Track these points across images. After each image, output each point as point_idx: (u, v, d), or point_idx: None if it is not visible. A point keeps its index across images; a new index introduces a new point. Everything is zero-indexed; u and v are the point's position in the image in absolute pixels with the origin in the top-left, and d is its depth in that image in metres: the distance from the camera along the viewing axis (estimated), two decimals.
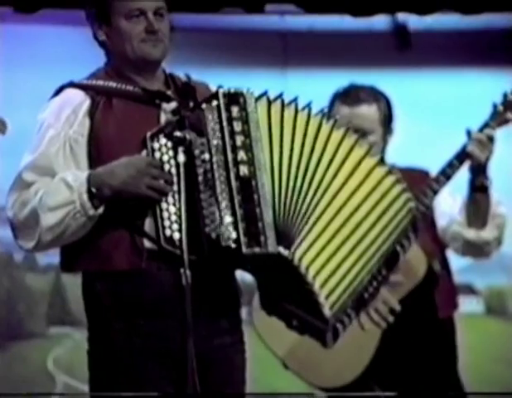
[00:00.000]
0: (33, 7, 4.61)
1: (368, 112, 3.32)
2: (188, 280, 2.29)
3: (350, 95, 3.34)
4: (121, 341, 2.40)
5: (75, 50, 4.81)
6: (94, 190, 2.36)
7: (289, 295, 2.46)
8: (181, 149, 2.37)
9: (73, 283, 5.10)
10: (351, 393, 3.28)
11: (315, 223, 2.42)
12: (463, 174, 3.36)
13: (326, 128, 2.47)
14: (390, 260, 2.52)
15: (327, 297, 2.42)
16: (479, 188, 3.31)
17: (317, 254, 2.41)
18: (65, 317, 5.17)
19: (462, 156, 3.30)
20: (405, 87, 4.89)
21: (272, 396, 3.35)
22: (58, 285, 5.18)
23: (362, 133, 3.28)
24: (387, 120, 3.36)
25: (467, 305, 4.92)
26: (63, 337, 5.13)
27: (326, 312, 2.42)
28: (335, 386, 3.29)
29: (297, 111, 2.44)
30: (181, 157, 2.36)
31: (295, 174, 2.42)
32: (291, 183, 2.42)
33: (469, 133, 3.30)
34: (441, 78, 5.06)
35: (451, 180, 3.31)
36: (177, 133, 2.38)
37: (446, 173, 3.31)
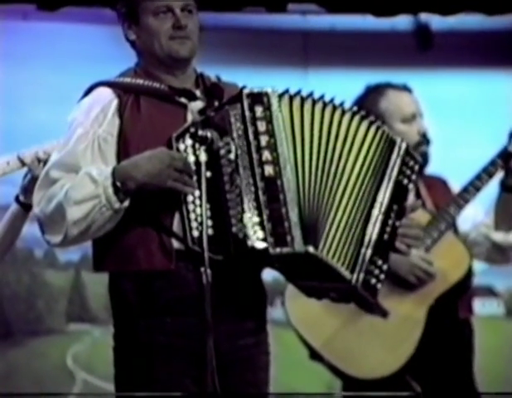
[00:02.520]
0: (57, 5, 4.63)
1: (414, 98, 3.44)
2: (208, 279, 2.31)
3: (393, 85, 3.44)
4: (146, 338, 2.41)
5: (98, 48, 4.84)
6: (118, 183, 2.37)
7: (318, 278, 2.47)
8: (202, 148, 2.38)
9: (92, 280, 5.14)
10: (367, 392, 3.29)
11: (336, 214, 2.43)
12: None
13: (343, 117, 2.47)
14: (398, 194, 2.50)
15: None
16: (510, 189, 3.31)
17: (339, 243, 2.42)
18: (84, 314, 5.18)
19: (505, 155, 3.29)
20: (427, 87, 4.85)
21: (292, 396, 3.36)
22: (78, 282, 5.19)
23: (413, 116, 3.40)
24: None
25: (488, 307, 4.91)
26: (82, 334, 5.14)
27: (347, 274, 2.41)
28: (373, 378, 3.30)
29: (314, 105, 2.44)
30: (203, 157, 2.37)
31: (317, 170, 2.43)
32: (314, 180, 2.42)
33: (511, 133, 3.31)
34: (463, 78, 5.04)
35: (492, 179, 3.31)
36: (199, 132, 2.39)
37: (489, 171, 3.31)
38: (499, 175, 3.35)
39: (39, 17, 4.78)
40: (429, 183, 3.46)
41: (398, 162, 2.50)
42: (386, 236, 2.47)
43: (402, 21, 4.89)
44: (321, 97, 2.46)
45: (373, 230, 2.44)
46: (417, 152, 3.39)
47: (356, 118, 2.48)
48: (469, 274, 3.37)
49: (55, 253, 5.13)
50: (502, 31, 4.90)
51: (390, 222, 2.47)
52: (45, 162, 2.78)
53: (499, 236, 3.36)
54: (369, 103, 3.36)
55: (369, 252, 2.43)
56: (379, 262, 2.45)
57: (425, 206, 3.42)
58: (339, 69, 4.98)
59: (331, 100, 2.47)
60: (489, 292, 5.02)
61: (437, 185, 3.45)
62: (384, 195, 2.47)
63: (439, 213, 3.35)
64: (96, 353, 5.03)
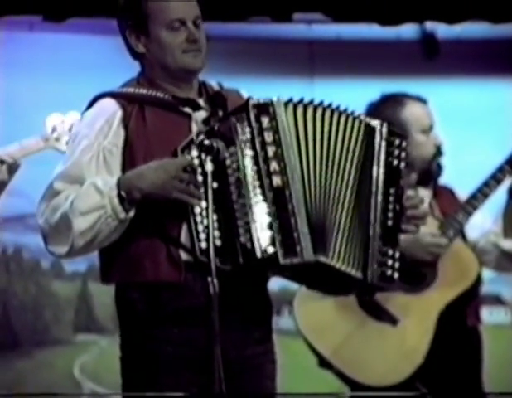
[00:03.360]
0: (63, 16, 4.64)
1: (430, 110, 3.50)
2: (216, 289, 2.30)
3: (410, 96, 3.48)
4: (153, 348, 2.42)
5: (104, 58, 4.84)
6: (123, 194, 2.37)
7: (330, 283, 2.49)
8: (209, 158, 2.38)
9: (99, 290, 5.14)
10: (372, 393, 3.29)
11: (341, 218, 2.43)
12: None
13: (346, 124, 2.47)
14: (392, 176, 2.48)
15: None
16: None
17: (346, 246, 2.42)
18: (91, 324, 5.18)
19: None
20: (433, 96, 4.86)
21: (296, 396, 3.37)
22: (84, 292, 5.19)
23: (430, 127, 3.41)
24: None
25: (495, 316, 4.89)
26: (89, 344, 5.14)
27: (359, 275, 2.42)
28: (383, 385, 3.30)
29: (315, 111, 2.44)
30: (209, 166, 2.37)
31: (321, 177, 2.43)
32: (319, 187, 2.43)
33: None
34: (469, 87, 5.04)
35: (500, 186, 3.31)
36: (205, 142, 2.38)
37: (497, 178, 3.31)
38: (507, 182, 3.35)
39: (45, 28, 4.79)
40: (437, 192, 3.46)
41: (384, 144, 2.48)
42: (390, 222, 2.46)
43: (407, 30, 4.89)
44: (321, 103, 2.46)
45: (375, 222, 2.44)
46: (434, 164, 3.43)
47: (343, 117, 2.47)
48: (478, 281, 3.37)
49: (61, 263, 5.14)
50: (508, 39, 4.90)
51: (391, 207, 2.46)
52: (10, 165, 2.81)
53: (509, 244, 3.35)
54: (388, 111, 3.37)
55: (377, 244, 2.43)
56: (390, 251, 2.45)
57: (433, 214, 3.42)
58: (345, 78, 4.98)
59: (329, 105, 2.46)
60: (496, 300, 5.00)
61: (445, 194, 3.46)
62: (377, 182, 2.46)
63: (447, 220, 3.35)
64: (103, 363, 5.02)
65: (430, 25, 4.89)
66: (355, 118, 2.48)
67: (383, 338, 3.32)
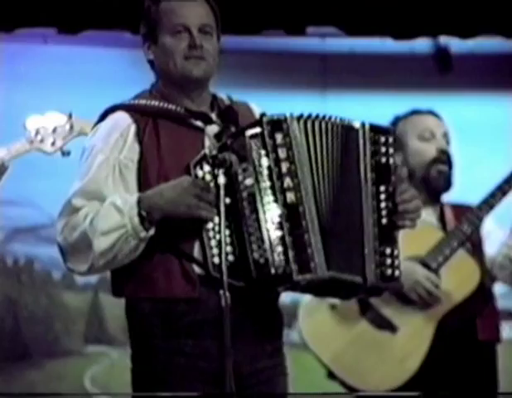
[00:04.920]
0: (77, 29, 4.65)
1: (435, 121, 3.46)
2: (228, 302, 2.30)
3: (418, 111, 3.47)
4: (166, 360, 2.41)
5: (118, 71, 4.86)
6: (144, 213, 2.37)
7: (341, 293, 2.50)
8: (221, 171, 2.38)
9: (110, 302, 5.14)
10: (371, 392, 3.30)
11: (350, 231, 2.42)
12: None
13: (346, 134, 2.45)
14: (381, 174, 2.45)
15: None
16: None
17: (363, 260, 2.41)
18: (101, 335, 5.19)
19: None
20: (446, 111, 4.85)
21: (300, 396, 3.37)
22: (95, 304, 5.20)
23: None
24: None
25: (507, 331, 4.87)
26: (100, 356, 5.14)
27: (360, 280, 2.41)
28: (379, 391, 3.31)
29: (322, 125, 2.43)
30: (221, 179, 2.37)
31: (331, 193, 2.42)
32: (330, 202, 2.42)
33: None
34: (482, 102, 5.03)
35: (506, 197, 3.30)
36: (219, 155, 2.38)
37: (503, 189, 3.31)
38: None
39: (59, 41, 4.81)
40: (458, 211, 3.44)
41: (368, 144, 2.44)
42: (384, 221, 2.43)
43: (421, 45, 4.89)
44: (330, 117, 2.44)
45: (368, 223, 2.42)
46: (434, 169, 3.40)
47: (330, 126, 2.43)
48: (480, 292, 3.35)
49: (73, 275, 5.14)
50: None
51: (383, 205, 2.44)
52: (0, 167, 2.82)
53: None
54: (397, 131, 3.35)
55: (373, 245, 2.41)
56: (388, 250, 2.43)
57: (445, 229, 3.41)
58: (357, 92, 4.98)
59: (330, 117, 2.44)
60: (508, 315, 4.98)
61: (464, 212, 3.42)
62: (366, 182, 2.43)
63: (452, 230, 3.34)
64: (114, 375, 5.02)
65: (443, 39, 4.89)
66: (336, 124, 2.44)
67: (382, 346, 3.34)
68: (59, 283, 5.19)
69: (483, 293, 3.38)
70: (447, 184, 3.44)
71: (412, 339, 3.31)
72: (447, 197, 3.48)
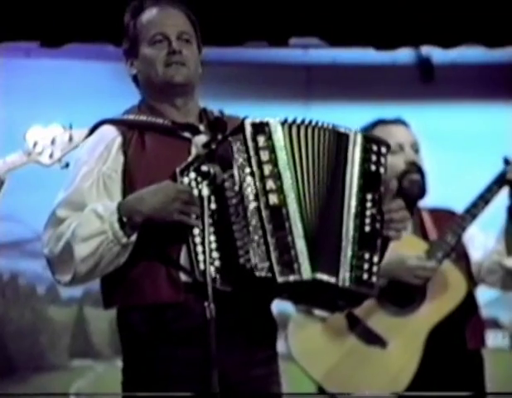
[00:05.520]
0: (60, 42, 4.65)
1: (402, 131, 3.42)
2: (212, 313, 2.31)
3: (384, 120, 3.46)
4: (158, 369, 2.41)
5: (101, 84, 4.86)
6: (124, 218, 2.38)
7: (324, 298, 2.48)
8: (205, 183, 2.39)
9: (95, 315, 5.13)
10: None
11: (333, 233, 2.42)
12: (495, 209, 3.35)
13: (325, 137, 2.46)
14: (369, 182, 2.45)
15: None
16: None
17: (337, 261, 2.41)
18: (87, 349, 5.17)
19: (501, 182, 3.30)
20: (429, 120, 4.87)
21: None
22: (80, 318, 5.18)
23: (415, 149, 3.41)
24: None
25: (493, 340, 4.88)
26: (85, 370, 5.13)
27: (333, 279, 2.39)
28: None
29: (307, 129, 2.44)
30: (205, 191, 2.38)
31: (315, 195, 2.43)
32: (315, 205, 2.42)
33: (507, 160, 3.32)
34: (464, 111, 5.05)
35: (488, 206, 3.31)
36: (202, 167, 2.40)
37: (485, 198, 3.31)
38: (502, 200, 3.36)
39: (42, 54, 4.80)
40: (436, 216, 3.45)
41: (358, 150, 2.45)
42: (368, 228, 2.43)
43: (403, 55, 4.90)
44: (316, 122, 2.46)
45: (348, 227, 2.42)
46: (406, 180, 3.40)
47: (321, 131, 2.46)
48: (468, 302, 3.36)
49: (57, 289, 5.13)
50: (503, 63, 4.92)
51: (368, 213, 2.44)
52: None
53: None
54: None
55: (351, 248, 2.41)
56: (367, 255, 2.42)
57: (427, 239, 3.42)
58: (341, 102, 4.99)
59: (316, 123, 2.46)
60: (494, 324, 4.99)
61: (445, 217, 3.44)
62: (351, 188, 2.43)
63: (436, 242, 3.35)
64: (99, 389, 5.00)
65: (426, 49, 4.91)
66: (327, 130, 2.45)
67: (372, 361, 3.33)
68: (43, 298, 5.18)
69: (470, 303, 3.39)
70: (421, 191, 3.44)
71: (402, 353, 3.31)
72: (423, 203, 3.49)
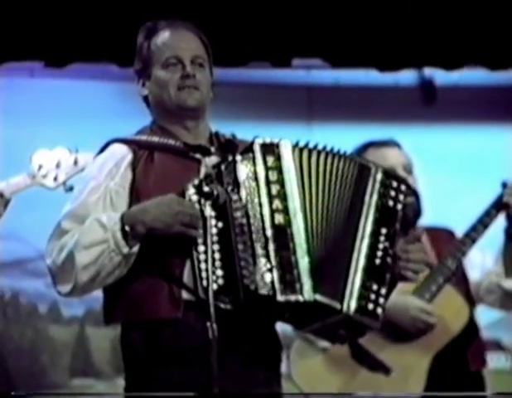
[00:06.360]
0: (64, 62, 4.67)
1: (394, 153, 3.41)
2: (215, 333, 2.30)
3: (375, 143, 3.44)
4: (156, 389, 2.41)
5: (105, 104, 4.87)
6: (127, 228, 2.38)
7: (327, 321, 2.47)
8: (208, 203, 2.39)
9: (96, 335, 5.12)
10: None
11: (341, 259, 2.44)
12: (491, 230, 3.36)
13: (344, 166, 2.49)
14: (385, 217, 2.48)
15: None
16: None
17: (344, 288, 2.42)
18: (88, 368, 5.16)
19: (499, 206, 3.32)
20: (431, 142, 4.89)
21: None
22: (82, 337, 5.17)
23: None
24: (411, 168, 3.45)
25: (495, 361, 4.87)
26: (86, 389, 5.11)
27: (337, 305, 2.40)
28: None
29: (319, 155, 2.47)
30: (208, 211, 2.39)
31: (323, 218, 2.44)
32: (321, 228, 2.44)
33: (504, 184, 3.33)
34: (467, 133, 5.06)
35: (488, 230, 3.32)
36: (205, 188, 2.40)
37: (484, 222, 3.32)
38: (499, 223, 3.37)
39: (46, 74, 4.82)
40: (433, 235, 3.46)
41: (377, 185, 2.49)
42: (378, 261, 2.45)
43: (405, 76, 4.92)
44: (325, 147, 2.49)
45: (359, 256, 2.43)
46: None
47: (342, 160, 2.50)
48: (470, 325, 3.36)
49: (59, 308, 5.13)
50: (505, 86, 4.93)
51: (381, 246, 2.46)
52: (4, 199, 2.82)
53: (510, 284, 3.36)
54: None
55: (359, 278, 2.42)
56: (375, 286, 2.43)
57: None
58: (343, 123, 5.00)
59: (331, 150, 2.50)
60: (496, 346, 4.98)
61: (443, 237, 3.44)
62: (366, 219, 2.46)
63: (437, 266, 3.36)
64: None
65: (428, 71, 4.93)
66: (353, 161, 2.51)
67: (376, 388, 3.31)
68: (45, 317, 5.17)
69: (472, 327, 3.39)
70: (416, 214, 3.45)
71: (406, 379, 3.30)
72: (421, 222, 3.49)
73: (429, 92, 4.99)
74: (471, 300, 3.43)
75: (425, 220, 3.47)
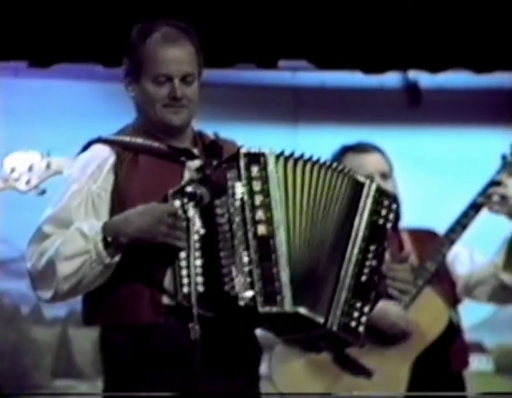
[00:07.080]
0: (48, 62, 4.65)
1: (372, 159, 3.39)
2: (197, 335, 2.29)
3: (353, 148, 3.44)
4: (140, 390, 2.40)
5: (90, 104, 4.86)
6: (109, 238, 2.38)
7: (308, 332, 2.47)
8: (191, 205, 2.38)
9: (79, 336, 5.11)
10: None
11: (324, 271, 2.43)
12: (478, 226, 3.38)
13: (332, 179, 2.48)
14: (374, 234, 2.48)
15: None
16: None
17: (330, 304, 2.42)
18: (70, 369, 5.15)
19: (476, 207, 3.34)
20: (416, 144, 4.89)
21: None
22: (64, 338, 5.16)
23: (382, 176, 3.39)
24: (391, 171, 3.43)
25: (477, 363, 4.88)
26: (68, 390, 5.10)
27: (321, 319, 2.40)
28: None
29: (305, 166, 2.46)
30: (191, 212, 2.38)
31: (307, 230, 2.43)
32: (304, 240, 2.43)
33: (504, 157, 3.35)
34: (451, 136, 5.07)
35: (466, 231, 3.34)
36: (187, 189, 2.40)
37: (462, 223, 3.35)
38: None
39: (30, 74, 4.80)
40: (416, 237, 3.47)
41: (369, 202, 2.49)
42: (364, 278, 2.45)
43: (391, 79, 4.92)
44: (311, 157, 2.48)
45: (346, 273, 2.43)
46: None
47: (331, 172, 2.49)
48: (449, 328, 3.37)
49: (41, 309, 5.11)
50: (490, 88, 4.94)
51: (368, 263, 2.46)
52: None
53: (507, 277, 3.38)
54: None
55: (344, 295, 2.42)
56: (358, 304, 2.44)
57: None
58: (328, 125, 5.01)
59: (318, 160, 2.48)
60: (478, 348, 5.00)
61: (425, 238, 3.46)
62: (356, 236, 2.46)
63: (416, 269, 3.36)
64: None
65: (413, 74, 4.93)
66: (344, 174, 2.49)
67: (358, 390, 3.32)
68: (27, 318, 5.15)
69: (452, 329, 3.40)
70: (395, 217, 3.45)
71: (387, 383, 3.31)
72: (403, 224, 3.49)
73: (414, 95, 5.00)
74: (454, 298, 3.44)
75: (410, 222, 3.48)
